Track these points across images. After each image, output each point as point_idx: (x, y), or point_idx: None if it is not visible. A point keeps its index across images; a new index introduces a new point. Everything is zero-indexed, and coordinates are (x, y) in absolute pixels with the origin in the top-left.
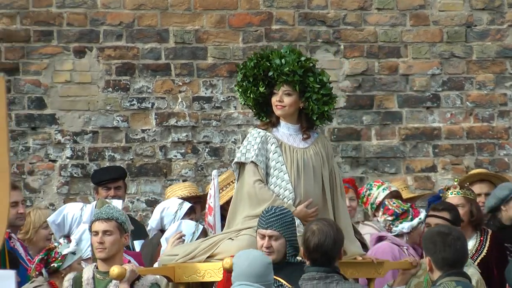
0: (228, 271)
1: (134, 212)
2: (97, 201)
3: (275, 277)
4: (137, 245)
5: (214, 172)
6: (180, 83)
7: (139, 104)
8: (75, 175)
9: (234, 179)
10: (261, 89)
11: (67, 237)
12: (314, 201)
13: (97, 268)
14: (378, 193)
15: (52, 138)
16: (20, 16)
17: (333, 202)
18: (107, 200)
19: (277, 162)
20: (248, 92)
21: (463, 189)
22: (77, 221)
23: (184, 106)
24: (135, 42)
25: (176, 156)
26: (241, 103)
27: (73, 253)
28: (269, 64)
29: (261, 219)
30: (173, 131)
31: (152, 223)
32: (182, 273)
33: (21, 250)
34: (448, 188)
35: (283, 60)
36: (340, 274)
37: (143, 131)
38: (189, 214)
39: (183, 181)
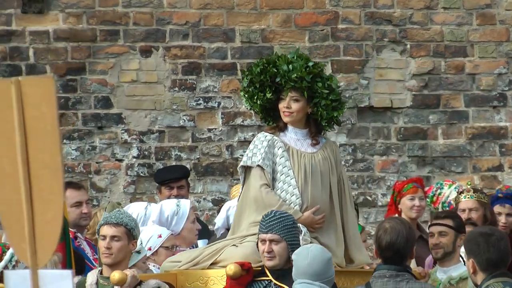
0: (231, 278)
1: (201, 212)
2: (109, 204)
3: (279, 284)
4: (201, 244)
5: None
6: None
7: (205, 104)
8: (141, 174)
9: None
10: (268, 95)
11: None
12: (322, 207)
13: (101, 273)
14: (450, 192)
15: (118, 137)
16: (86, 15)
17: (341, 209)
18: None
19: (284, 167)
20: (255, 98)
21: (477, 192)
22: (142, 220)
23: None
24: (201, 42)
25: (242, 155)
26: (247, 108)
27: (138, 252)
28: (276, 70)
29: (261, 223)
30: (239, 131)
31: (218, 222)
32: (185, 280)
33: (87, 250)
34: (461, 192)
35: (290, 66)
36: (411, 274)
37: (209, 130)
38: None
39: None
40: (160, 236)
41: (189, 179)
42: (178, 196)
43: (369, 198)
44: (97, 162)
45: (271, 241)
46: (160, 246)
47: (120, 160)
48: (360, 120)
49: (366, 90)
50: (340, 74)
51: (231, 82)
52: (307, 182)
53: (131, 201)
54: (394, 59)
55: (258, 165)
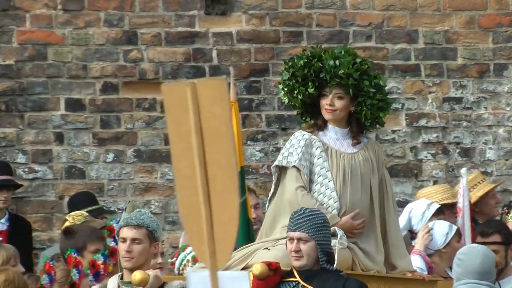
0: (258, 278)
1: None
2: (127, 204)
3: (307, 285)
4: None
5: (463, 170)
6: (430, 84)
7: None
8: None
9: (483, 179)
10: (310, 90)
11: None
12: (361, 211)
13: (122, 278)
14: None
15: None
16: (269, 17)
17: (382, 213)
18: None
19: (322, 168)
20: (295, 92)
21: None
22: None
23: (434, 107)
24: (384, 43)
25: (426, 157)
26: (284, 102)
27: None
28: (321, 65)
29: (290, 221)
30: (423, 132)
31: (400, 223)
32: None
33: None
34: (508, 212)
35: (337, 62)
36: None
37: (393, 132)
38: (437, 215)
39: (434, 182)
40: None
41: None
42: None
43: None
44: None
45: (299, 239)
46: None
47: None
48: None
49: None
50: None
51: (414, 84)
52: (346, 185)
53: None
54: None
55: (294, 166)
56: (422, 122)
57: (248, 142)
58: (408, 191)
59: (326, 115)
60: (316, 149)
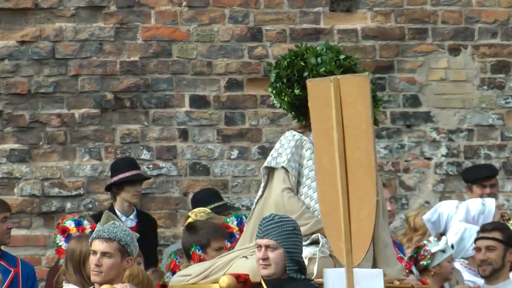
0: None
1: (510, 211)
2: (104, 214)
3: None
4: None
5: None
6: None
7: None
8: (450, 173)
9: None
10: (297, 91)
11: (442, 235)
12: None
13: None
14: None
15: (427, 136)
16: (394, 14)
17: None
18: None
19: (311, 170)
20: (283, 94)
21: None
22: (452, 219)
23: None
24: (510, 40)
25: None
26: (276, 106)
27: (443, 251)
28: (303, 64)
29: (259, 227)
30: None
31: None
32: None
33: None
34: (509, 219)
35: (319, 59)
36: None
37: None
38: None
39: None
40: None
41: (498, 177)
42: (490, 195)
43: None
44: (405, 161)
45: (267, 247)
46: None
47: (429, 159)
48: None
49: None
50: None
51: None
52: None
53: (439, 200)
54: None
55: (283, 167)
56: None
57: None
58: None
59: None
60: (306, 150)
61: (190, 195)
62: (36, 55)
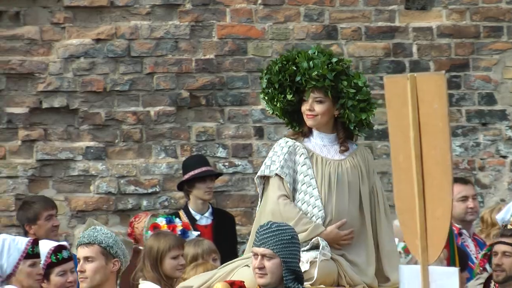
0: None
1: None
2: (87, 221)
3: None
4: None
5: None
6: None
7: None
8: None
9: None
10: (289, 97)
11: None
12: (349, 222)
13: None
14: None
15: (502, 134)
16: (469, 12)
17: (374, 224)
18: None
19: (306, 176)
20: (275, 100)
21: None
22: None
23: None
24: None
25: None
26: (269, 112)
27: None
28: (295, 68)
29: (255, 236)
30: None
31: None
32: None
33: (471, 247)
34: None
35: (311, 63)
36: None
37: None
38: None
39: None
40: None
41: None
42: None
43: None
44: (481, 159)
45: (263, 256)
46: None
47: (504, 157)
48: None
49: None
50: None
51: None
52: (332, 193)
53: None
54: None
55: (277, 174)
56: None
57: None
58: None
59: (308, 121)
60: (300, 156)
61: None
62: (111, 53)
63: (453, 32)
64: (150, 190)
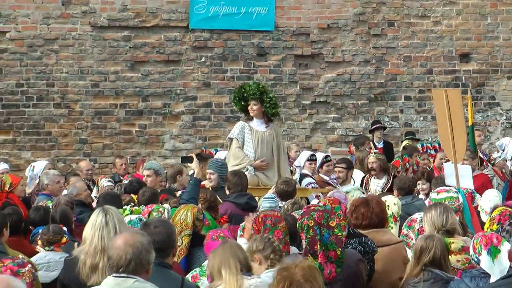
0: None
1: None
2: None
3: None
4: None
5: None
6: None
7: None
8: None
9: None
10: (244, 103)
11: None
12: (267, 159)
13: None
14: None
15: None
16: None
17: (278, 159)
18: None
19: (248, 139)
20: (239, 105)
21: None
22: None
23: None
24: None
25: None
26: (237, 109)
27: None
28: (243, 90)
29: (208, 164)
30: None
31: None
32: None
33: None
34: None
35: (251, 88)
36: None
37: None
38: None
39: None
40: None
41: None
42: None
43: None
44: None
45: (211, 173)
46: None
47: None
48: None
49: None
50: None
51: None
52: (259, 146)
53: None
54: None
55: (236, 138)
56: None
57: None
58: None
59: (251, 113)
60: (246, 129)
61: None
62: None
63: None
64: None
